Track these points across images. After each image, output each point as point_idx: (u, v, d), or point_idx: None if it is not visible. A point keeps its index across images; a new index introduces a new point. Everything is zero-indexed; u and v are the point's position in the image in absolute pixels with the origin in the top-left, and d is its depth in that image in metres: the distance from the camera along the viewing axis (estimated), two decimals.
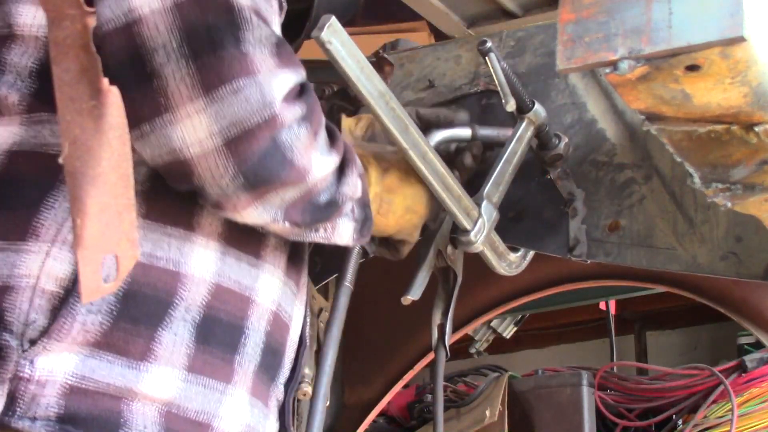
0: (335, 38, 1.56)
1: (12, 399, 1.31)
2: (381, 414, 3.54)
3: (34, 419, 1.32)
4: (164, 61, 1.34)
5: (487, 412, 3.25)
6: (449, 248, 1.92)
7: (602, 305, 4.11)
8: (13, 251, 1.35)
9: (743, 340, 3.89)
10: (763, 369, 3.16)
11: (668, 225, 1.96)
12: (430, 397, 3.57)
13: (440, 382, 2.03)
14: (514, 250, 2.03)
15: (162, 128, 1.35)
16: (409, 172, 1.77)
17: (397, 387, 2.94)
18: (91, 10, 1.11)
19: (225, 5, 1.36)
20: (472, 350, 4.14)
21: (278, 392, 1.61)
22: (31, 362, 1.33)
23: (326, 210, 1.52)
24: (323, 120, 1.50)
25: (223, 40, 1.35)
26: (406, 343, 2.88)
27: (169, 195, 1.44)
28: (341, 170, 1.52)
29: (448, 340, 1.96)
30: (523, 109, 1.95)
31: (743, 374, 3.15)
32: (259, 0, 1.42)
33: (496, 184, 1.91)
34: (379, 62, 2.25)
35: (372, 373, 2.94)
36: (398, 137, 1.70)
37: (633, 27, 1.37)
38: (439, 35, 2.63)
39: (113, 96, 1.13)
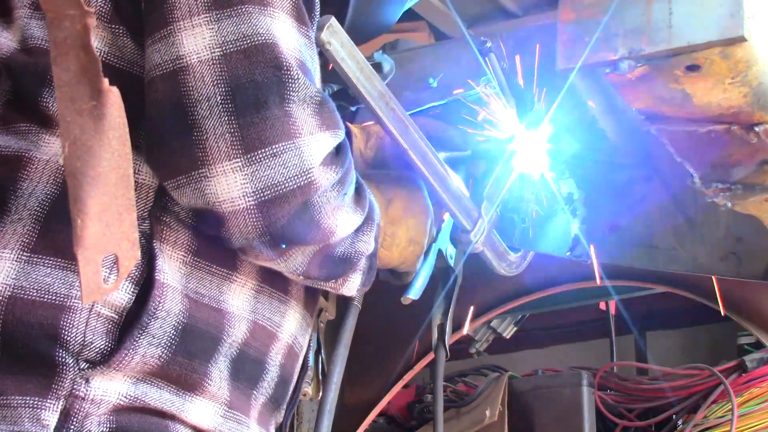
0: (334, 39, 1.56)
1: (66, 416, 1.33)
2: (381, 414, 3.54)
3: None
4: (206, 114, 1.33)
5: (487, 412, 3.24)
6: (449, 248, 1.91)
7: (602, 305, 4.11)
8: (72, 271, 1.35)
9: (743, 340, 3.89)
10: (763, 369, 3.15)
11: (668, 225, 1.96)
12: (430, 397, 3.57)
13: (440, 382, 2.03)
14: (515, 250, 2.03)
15: (197, 182, 1.35)
16: (412, 200, 1.76)
17: (397, 387, 2.94)
18: (91, 10, 1.11)
19: (274, 61, 1.35)
20: (472, 350, 4.13)
21: (279, 416, 1.63)
22: (87, 381, 1.34)
23: (341, 266, 1.53)
24: (354, 178, 1.50)
25: (267, 100, 1.34)
26: (406, 343, 2.88)
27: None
28: (359, 228, 1.53)
29: (448, 340, 1.96)
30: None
31: (743, 374, 3.14)
32: (304, 50, 1.43)
33: (497, 185, 1.91)
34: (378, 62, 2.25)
35: (372, 373, 2.94)
36: (398, 138, 1.70)
37: (633, 27, 1.37)
38: (439, 35, 2.63)
39: (113, 96, 1.13)
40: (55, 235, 1.36)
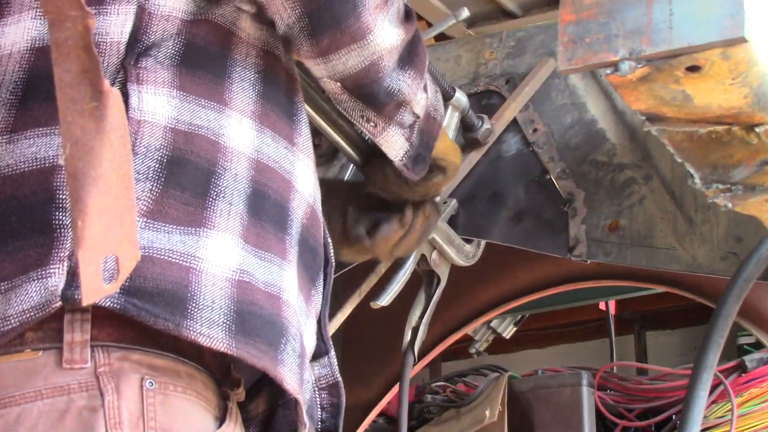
0: None
1: (73, 275, 1.26)
2: (381, 414, 3.54)
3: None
4: None
5: (487, 412, 3.24)
6: (434, 253, 1.93)
7: (602, 305, 4.11)
8: (56, 134, 1.31)
9: (743, 340, 3.89)
10: (763, 369, 3.15)
11: (668, 225, 1.96)
12: (430, 397, 3.57)
13: (406, 386, 2.04)
14: (468, 241, 2.06)
15: None
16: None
17: (397, 387, 2.93)
18: (92, 11, 1.11)
19: None
20: (472, 350, 4.13)
21: (317, 303, 1.52)
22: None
23: (379, 96, 1.53)
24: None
25: None
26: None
27: (201, 68, 1.42)
28: (404, 60, 1.53)
29: (419, 344, 1.97)
30: (445, 97, 1.96)
31: (743, 374, 3.14)
32: None
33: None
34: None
35: (372, 373, 2.94)
36: None
37: (634, 28, 1.37)
38: (439, 35, 2.63)
39: (114, 97, 1.13)
40: (33, 110, 1.33)
